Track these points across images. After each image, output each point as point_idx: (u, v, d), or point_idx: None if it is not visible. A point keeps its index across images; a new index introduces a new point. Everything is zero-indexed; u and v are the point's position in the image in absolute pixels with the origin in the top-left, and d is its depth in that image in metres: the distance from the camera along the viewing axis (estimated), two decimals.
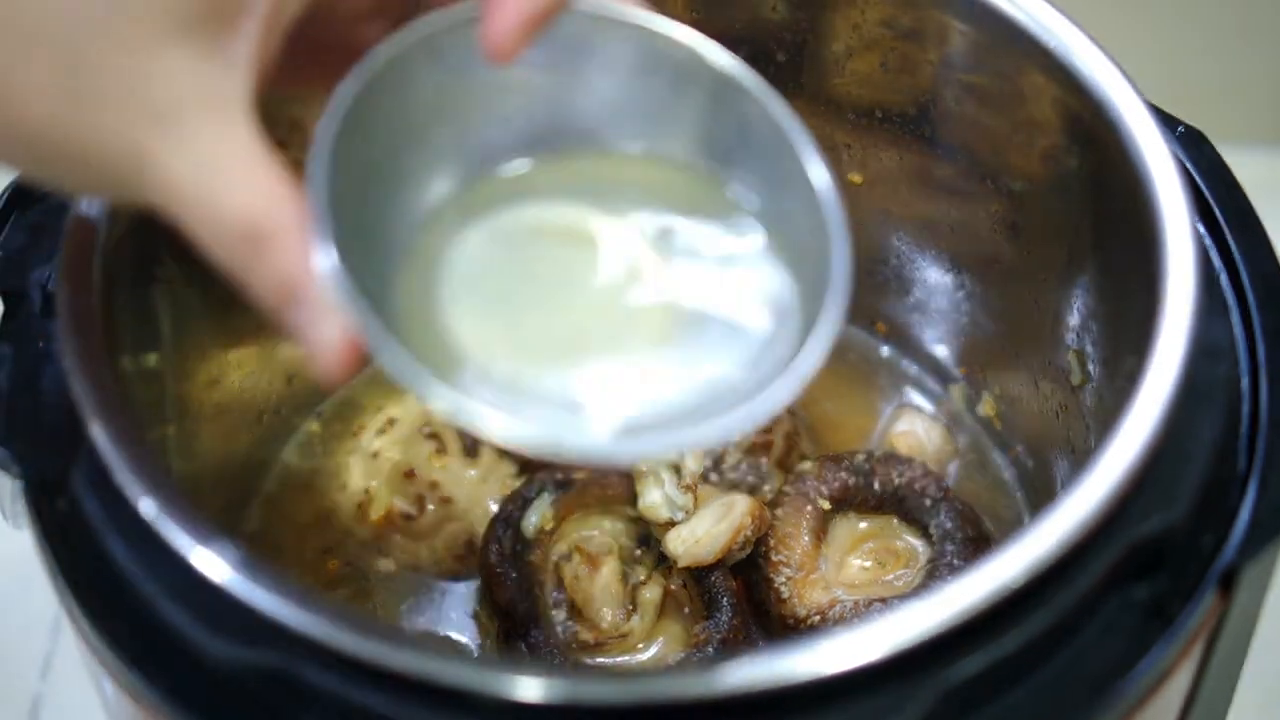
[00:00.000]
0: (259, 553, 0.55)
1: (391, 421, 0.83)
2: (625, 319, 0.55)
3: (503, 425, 0.49)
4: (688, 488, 0.75)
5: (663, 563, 0.76)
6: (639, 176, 0.58)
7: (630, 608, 0.75)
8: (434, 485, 0.81)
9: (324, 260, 0.48)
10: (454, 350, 0.53)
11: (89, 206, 0.63)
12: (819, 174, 0.54)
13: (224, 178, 0.48)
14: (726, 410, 0.52)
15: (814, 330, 0.52)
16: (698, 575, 0.76)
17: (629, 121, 0.57)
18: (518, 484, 0.80)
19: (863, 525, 0.79)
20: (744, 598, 0.76)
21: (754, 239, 0.57)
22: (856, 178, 0.82)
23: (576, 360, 0.54)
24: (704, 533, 0.75)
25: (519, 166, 0.57)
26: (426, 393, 0.49)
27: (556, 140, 0.57)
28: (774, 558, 0.76)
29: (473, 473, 0.81)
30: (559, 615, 0.75)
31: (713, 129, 0.57)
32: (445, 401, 0.49)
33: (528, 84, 0.56)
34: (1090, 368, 0.72)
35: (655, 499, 0.76)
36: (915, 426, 0.84)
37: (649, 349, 0.54)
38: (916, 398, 0.86)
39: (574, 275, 0.55)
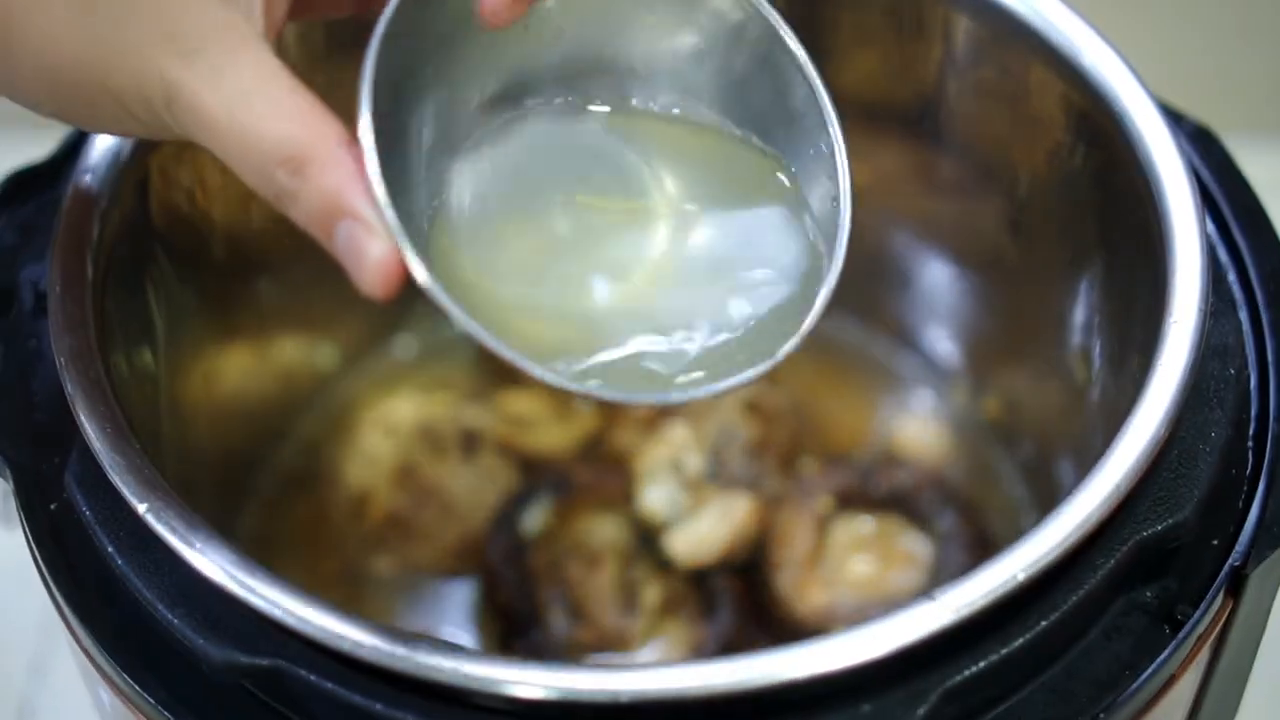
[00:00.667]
0: (256, 553, 0.54)
1: (390, 421, 0.83)
2: (636, 265, 0.56)
3: (514, 355, 0.50)
4: (688, 488, 0.75)
5: (663, 563, 0.76)
6: (667, 132, 0.59)
7: (630, 608, 0.75)
8: (433, 485, 0.81)
9: (371, 171, 0.49)
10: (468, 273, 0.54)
11: (82, 204, 0.63)
12: (832, 121, 0.57)
13: (258, 106, 0.49)
14: (728, 364, 0.53)
15: (820, 287, 0.55)
16: (698, 575, 0.76)
17: (656, 66, 0.58)
18: (517, 484, 0.80)
19: (864, 525, 0.79)
20: (744, 598, 0.76)
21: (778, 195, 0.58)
22: (859, 175, 0.82)
23: (584, 298, 0.54)
24: (705, 533, 0.75)
25: (546, 109, 0.58)
26: (451, 315, 0.49)
27: (584, 83, 0.58)
28: (775, 558, 0.76)
29: (472, 473, 0.81)
30: (559, 615, 0.75)
31: (736, 77, 0.58)
32: (466, 326, 0.50)
33: (545, 21, 0.57)
34: (1095, 367, 0.72)
35: (656, 499, 0.76)
36: (918, 426, 0.84)
37: (657, 297, 0.55)
38: (919, 397, 0.86)
39: (591, 216, 0.56)
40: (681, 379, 0.53)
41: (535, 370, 0.50)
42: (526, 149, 0.57)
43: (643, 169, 0.57)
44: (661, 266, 0.56)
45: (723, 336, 0.54)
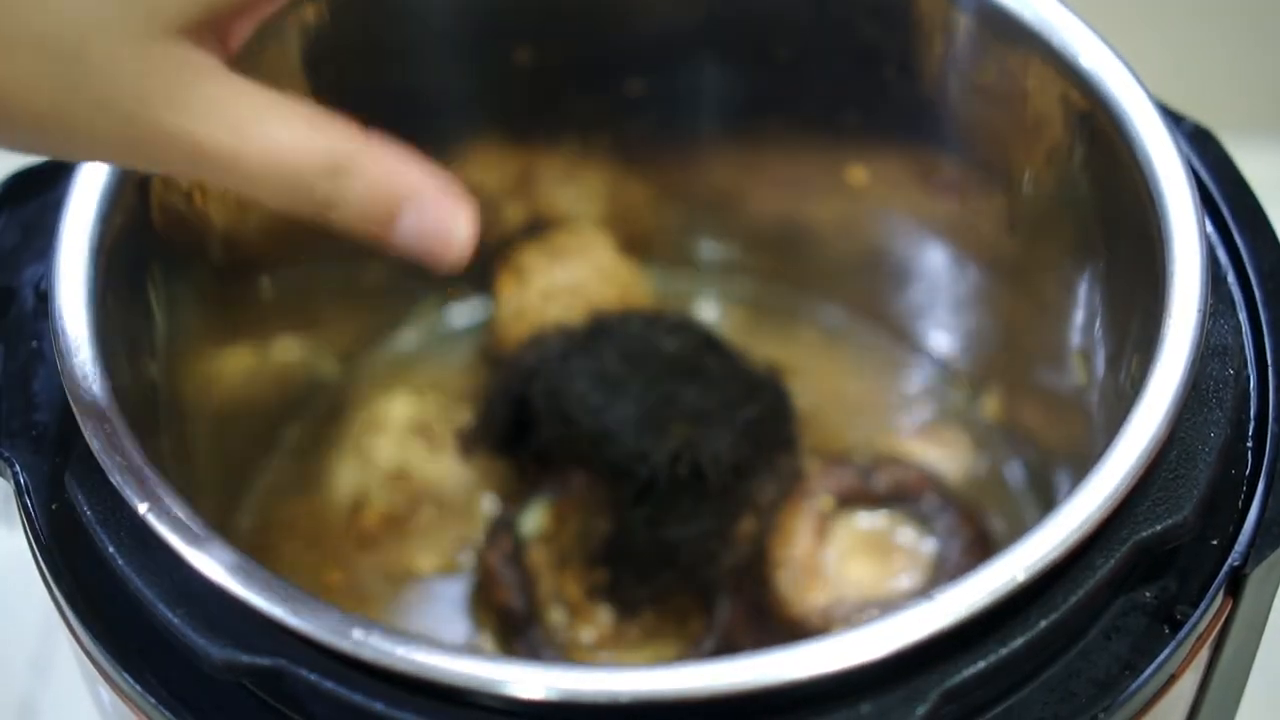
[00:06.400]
0: (254, 553, 0.54)
1: (387, 421, 0.83)
2: None
3: None
4: None
5: None
6: None
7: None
8: (429, 485, 0.81)
9: None
10: None
11: (83, 205, 0.63)
12: None
13: (271, 128, 0.48)
14: None
15: None
16: None
17: None
18: (514, 484, 0.80)
19: (864, 525, 0.78)
20: (744, 597, 0.76)
21: None
22: (860, 174, 0.82)
23: None
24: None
25: None
26: None
27: None
28: (775, 558, 0.76)
29: (468, 473, 0.81)
30: (558, 615, 0.75)
31: None
32: None
33: None
34: (1095, 366, 0.72)
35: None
36: (917, 425, 0.84)
37: None
38: (919, 397, 0.86)
39: None
40: None
41: None
42: None
43: None
44: None
45: None
